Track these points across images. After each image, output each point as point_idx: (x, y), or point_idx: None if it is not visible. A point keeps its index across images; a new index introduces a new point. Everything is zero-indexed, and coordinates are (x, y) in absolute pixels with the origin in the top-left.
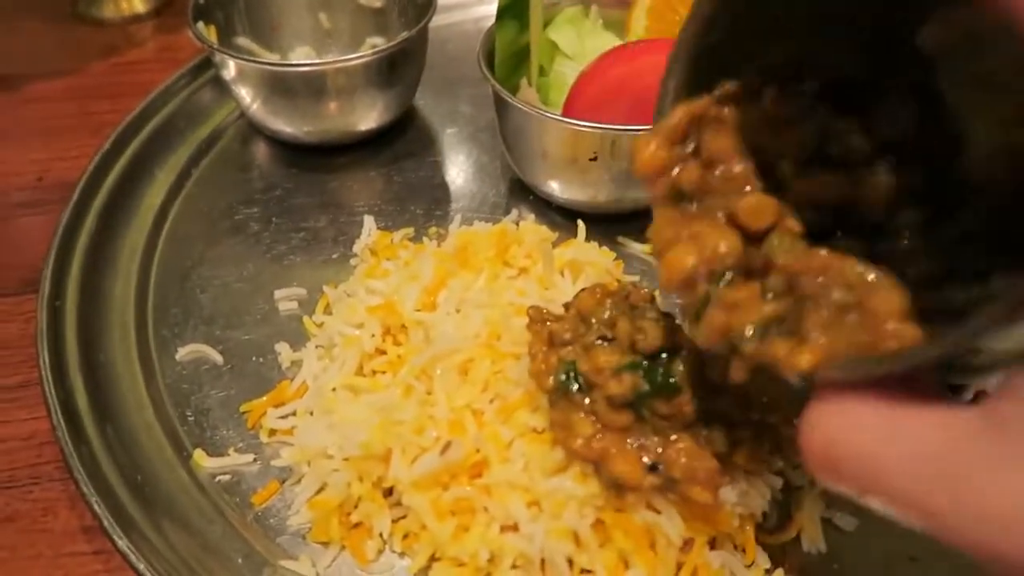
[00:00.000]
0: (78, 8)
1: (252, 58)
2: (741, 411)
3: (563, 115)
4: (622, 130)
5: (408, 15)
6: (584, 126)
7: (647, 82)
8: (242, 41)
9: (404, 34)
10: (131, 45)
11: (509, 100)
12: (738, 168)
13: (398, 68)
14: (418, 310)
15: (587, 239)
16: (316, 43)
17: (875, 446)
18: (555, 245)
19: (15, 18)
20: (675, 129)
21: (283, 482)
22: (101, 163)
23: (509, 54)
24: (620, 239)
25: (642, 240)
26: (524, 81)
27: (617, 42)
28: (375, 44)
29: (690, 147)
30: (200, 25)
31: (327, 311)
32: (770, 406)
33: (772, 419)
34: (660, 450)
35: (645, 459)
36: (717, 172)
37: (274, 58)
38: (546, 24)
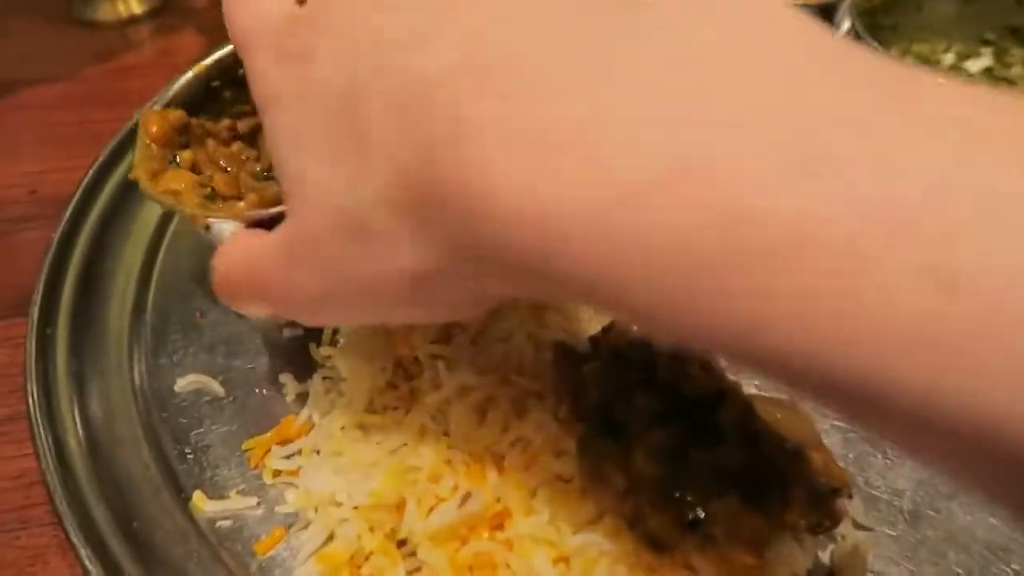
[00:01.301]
0: (72, 10)
1: None
2: (796, 467)
3: None
4: None
5: None
6: None
7: None
8: None
9: None
10: (128, 49)
11: None
12: None
13: None
14: (433, 341)
15: None
16: None
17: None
18: None
19: (5, 20)
20: None
21: (289, 528)
22: (96, 177)
23: None
24: None
25: None
26: None
27: None
28: None
29: None
30: None
31: (334, 339)
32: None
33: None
34: (701, 505)
35: (683, 515)
36: None
37: None
38: None
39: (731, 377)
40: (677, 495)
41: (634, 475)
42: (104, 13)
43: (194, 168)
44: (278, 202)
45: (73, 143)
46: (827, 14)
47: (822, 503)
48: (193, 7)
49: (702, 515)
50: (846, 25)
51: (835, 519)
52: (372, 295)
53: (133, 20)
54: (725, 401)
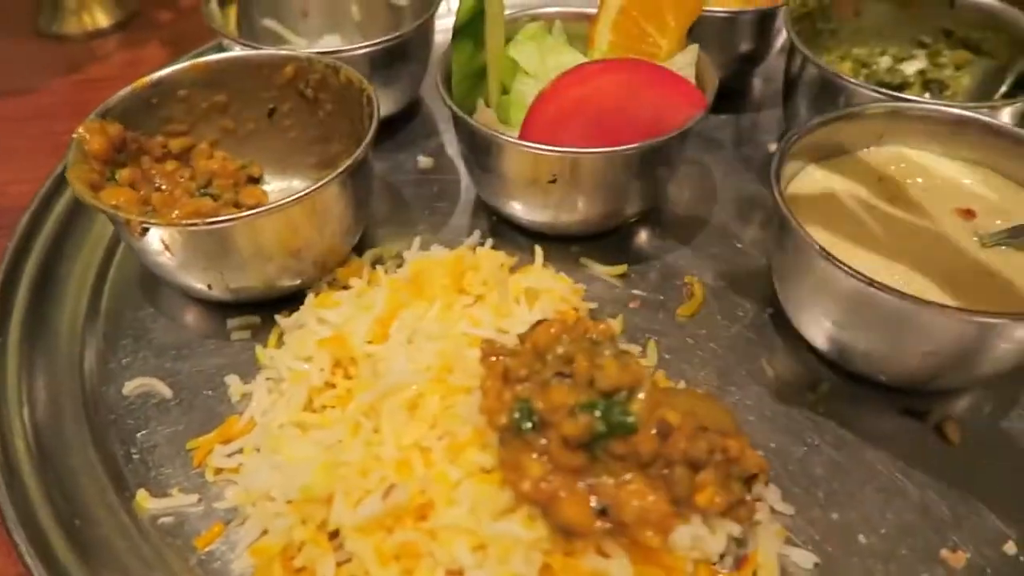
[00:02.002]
0: (39, 23)
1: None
2: (706, 452)
3: (521, 135)
4: (580, 153)
5: (420, 13)
6: (541, 149)
7: (602, 103)
8: (268, 23)
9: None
10: (94, 61)
11: (467, 121)
12: None
13: (395, 63)
14: (369, 342)
15: (549, 260)
16: (346, 33)
17: None
18: (514, 270)
19: None
20: None
21: (228, 523)
22: (52, 188)
23: (466, 74)
24: (583, 260)
25: (605, 262)
26: (481, 102)
27: (578, 58)
28: None
29: None
30: (214, 6)
31: (280, 341)
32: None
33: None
34: (612, 492)
35: (594, 502)
36: None
37: (302, 43)
38: (508, 40)
39: (647, 369)
40: (589, 483)
41: (550, 465)
42: (70, 26)
43: (133, 185)
44: (211, 216)
45: (35, 154)
46: (766, 21)
47: (734, 489)
48: (158, 20)
49: (611, 502)
50: (784, 35)
51: (748, 504)
52: None
53: (99, 33)
54: (637, 394)
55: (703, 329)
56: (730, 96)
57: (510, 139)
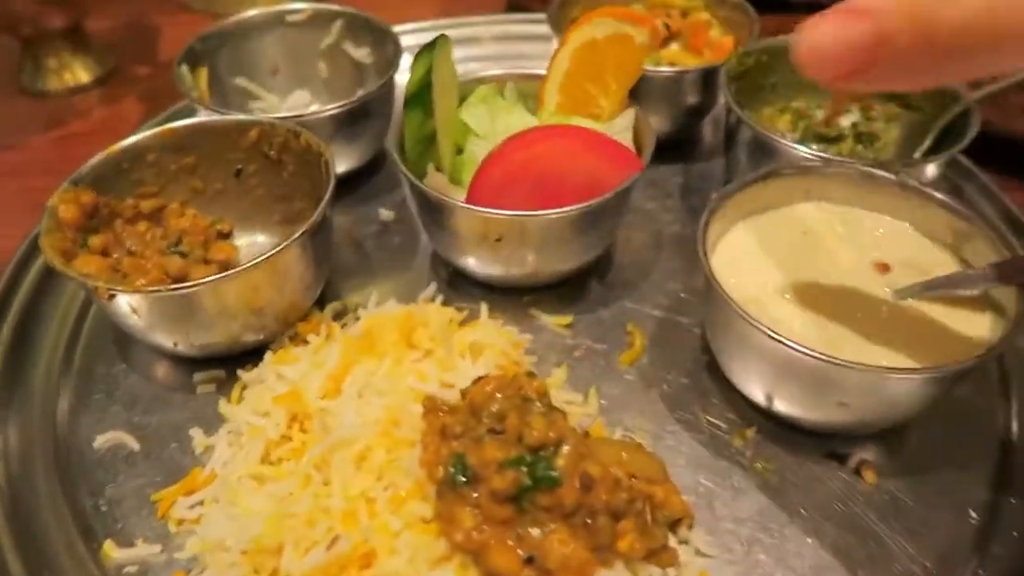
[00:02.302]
0: (23, 81)
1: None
2: (626, 502)
3: (468, 198)
4: (521, 216)
5: (383, 72)
6: (485, 212)
7: (543, 167)
8: (239, 81)
9: (360, 93)
10: (75, 117)
11: (418, 185)
12: None
13: (358, 121)
14: (323, 397)
15: (501, 311)
16: (314, 90)
17: None
18: (465, 323)
19: None
20: None
21: (189, 572)
22: (31, 245)
23: (418, 139)
24: (532, 311)
25: (554, 312)
26: (431, 166)
27: (528, 118)
28: None
29: None
30: (185, 70)
31: (242, 395)
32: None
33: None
34: (538, 541)
35: (522, 551)
36: None
37: (272, 98)
38: (463, 101)
39: (574, 426)
40: (518, 533)
41: (481, 517)
42: (52, 83)
43: (104, 251)
44: (181, 275)
45: (12, 211)
46: (710, 77)
47: (657, 534)
48: (136, 75)
49: (537, 551)
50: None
51: (670, 550)
52: None
53: (80, 89)
54: (562, 449)
55: (642, 377)
56: (679, 146)
57: (457, 203)
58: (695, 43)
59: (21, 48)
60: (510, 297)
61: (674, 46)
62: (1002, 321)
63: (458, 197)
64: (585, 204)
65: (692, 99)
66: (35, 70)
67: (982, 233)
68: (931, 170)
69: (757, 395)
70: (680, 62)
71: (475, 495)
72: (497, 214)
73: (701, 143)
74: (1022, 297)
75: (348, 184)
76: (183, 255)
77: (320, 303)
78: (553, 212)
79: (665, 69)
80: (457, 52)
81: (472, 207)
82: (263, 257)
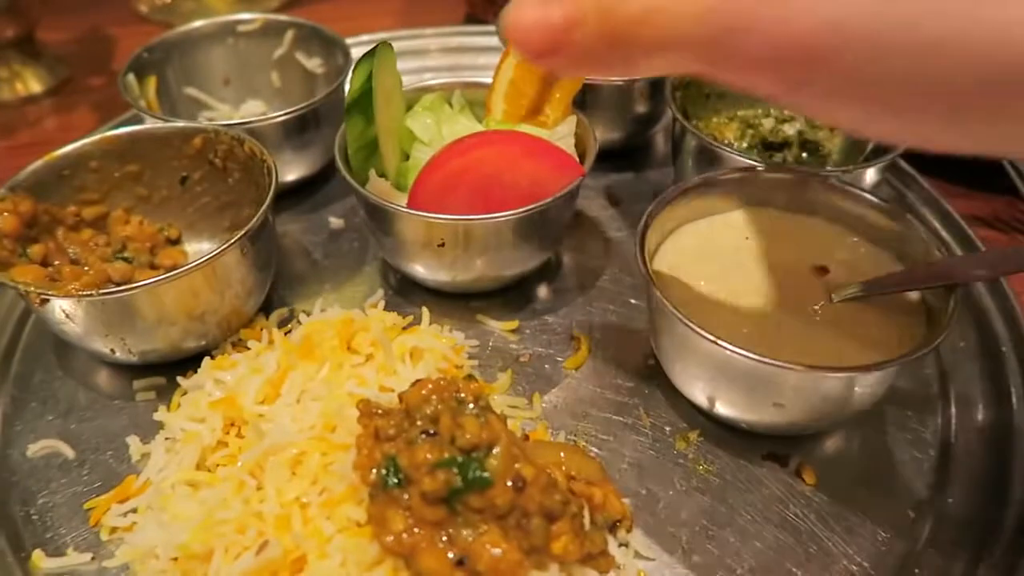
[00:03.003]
0: None
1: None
2: (560, 503)
3: (410, 202)
4: (460, 220)
5: (334, 78)
6: (424, 216)
7: (483, 172)
8: (190, 91)
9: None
10: (26, 126)
11: (360, 191)
12: None
13: (308, 129)
14: (261, 402)
15: (448, 317)
16: (267, 99)
17: None
18: (407, 328)
19: None
20: None
21: None
22: None
23: (360, 146)
24: (480, 317)
25: (501, 317)
26: (372, 172)
27: (474, 125)
28: None
29: None
30: (131, 79)
31: (181, 402)
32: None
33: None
34: (469, 543)
35: (452, 554)
36: None
37: (224, 108)
38: (409, 108)
39: (516, 429)
40: (449, 534)
41: (413, 519)
42: (3, 92)
43: (45, 259)
44: (126, 281)
45: None
46: (658, 86)
47: (594, 537)
48: (89, 85)
49: (468, 553)
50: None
51: (607, 554)
52: None
53: (32, 99)
54: (494, 450)
55: (587, 381)
56: (630, 155)
57: (398, 208)
58: None
59: None
60: (457, 303)
61: None
62: (936, 321)
63: (401, 203)
64: (526, 208)
65: (641, 108)
66: None
67: (917, 234)
68: (871, 175)
69: (699, 398)
70: None
71: (406, 497)
72: (436, 218)
73: (651, 152)
74: (955, 297)
75: (299, 192)
76: (127, 260)
77: (266, 310)
78: (493, 216)
79: (614, 79)
80: (412, 63)
81: (412, 211)
82: (202, 260)
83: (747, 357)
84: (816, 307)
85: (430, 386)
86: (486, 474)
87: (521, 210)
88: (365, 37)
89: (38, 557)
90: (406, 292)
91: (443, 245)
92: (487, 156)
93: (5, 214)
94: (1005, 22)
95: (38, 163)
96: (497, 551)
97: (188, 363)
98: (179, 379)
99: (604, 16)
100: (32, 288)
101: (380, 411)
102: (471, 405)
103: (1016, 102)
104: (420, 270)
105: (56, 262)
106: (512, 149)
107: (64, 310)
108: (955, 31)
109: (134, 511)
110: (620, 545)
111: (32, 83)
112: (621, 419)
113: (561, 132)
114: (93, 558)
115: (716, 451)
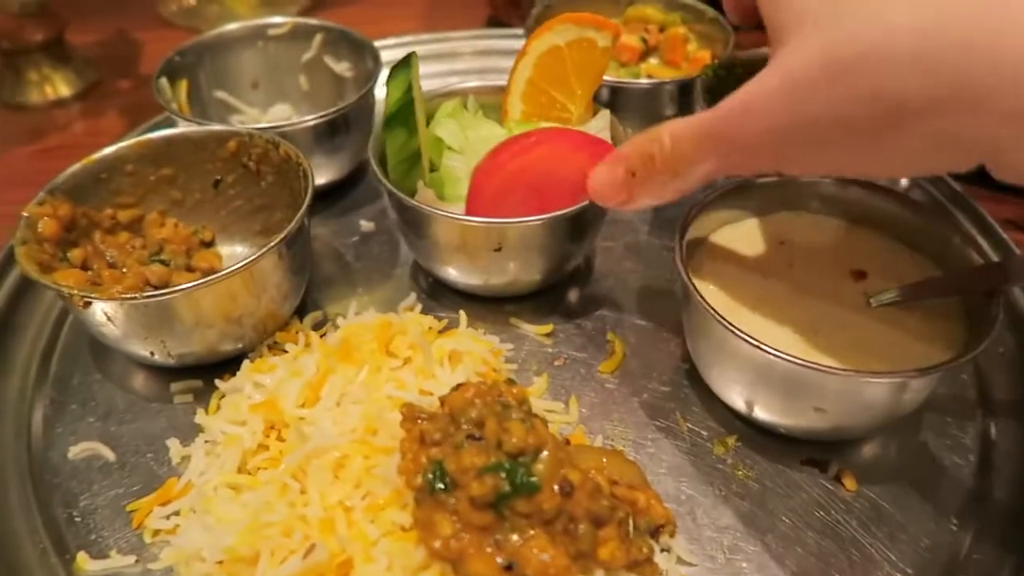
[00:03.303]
0: (2, 94)
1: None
2: (608, 509)
3: (468, 209)
4: (527, 221)
5: (363, 82)
6: (492, 222)
7: (538, 171)
8: (219, 95)
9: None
10: (55, 130)
11: (414, 205)
12: None
13: (338, 134)
14: (301, 405)
15: (481, 320)
16: (295, 103)
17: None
18: (444, 332)
19: None
20: None
21: None
22: (5, 258)
23: (401, 159)
24: (513, 320)
25: (534, 321)
26: (420, 183)
27: (496, 129)
28: None
29: None
30: (164, 82)
31: (219, 405)
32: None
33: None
34: (517, 548)
35: (501, 558)
36: None
37: (252, 112)
38: (429, 119)
39: (554, 433)
40: (497, 540)
41: (461, 523)
42: (32, 96)
43: (84, 263)
44: (164, 284)
45: None
46: (684, 90)
47: (639, 545)
48: (118, 89)
49: (516, 558)
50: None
51: (652, 563)
52: (853, 130)
53: (61, 102)
54: (541, 455)
55: (623, 385)
56: None
57: (459, 216)
58: (672, 57)
59: (1, 61)
60: (491, 306)
61: (652, 60)
62: (977, 326)
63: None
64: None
65: (669, 111)
66: (15, 83)
67: (957, 239)
68: None
69: (737, 402)
70: (658, 75)
71: (453, 502)
72: (505, 223)
73: None
74: (997, 302)
75: (328, 197)
76: (165, 263)
77: (300, 313)
78: (560, 213)
79: (643, 81)
80: (436, 67)
81: (476, 219)
82: (240, 264)
83: (789, 360)
84: (854, 312)
85: (473, 390)
86: (534, 479)
87: (585, 203)
88: (391, 40)
89: (82, 559)
90: (438, 296)
91: (499, 249)
92: (542, 154)
93: (46, 219)
94: None
95: (76, 166)
96: (545, 556)
97: (224, 366)
98: (217, 382)
99: (646, 160)
100: (76, 291)
101: (424, 416)
102: (516, 409)
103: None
104: (456, 275)
105: (95, 266)
106: (562, 145)
107: (106, 313)
108: None
109: (176, 514)
110: (662, 551)
111: (61, 87)
112: (658, 423)
113: (596, 127)
114: (137, 560)
115: (754, 456)
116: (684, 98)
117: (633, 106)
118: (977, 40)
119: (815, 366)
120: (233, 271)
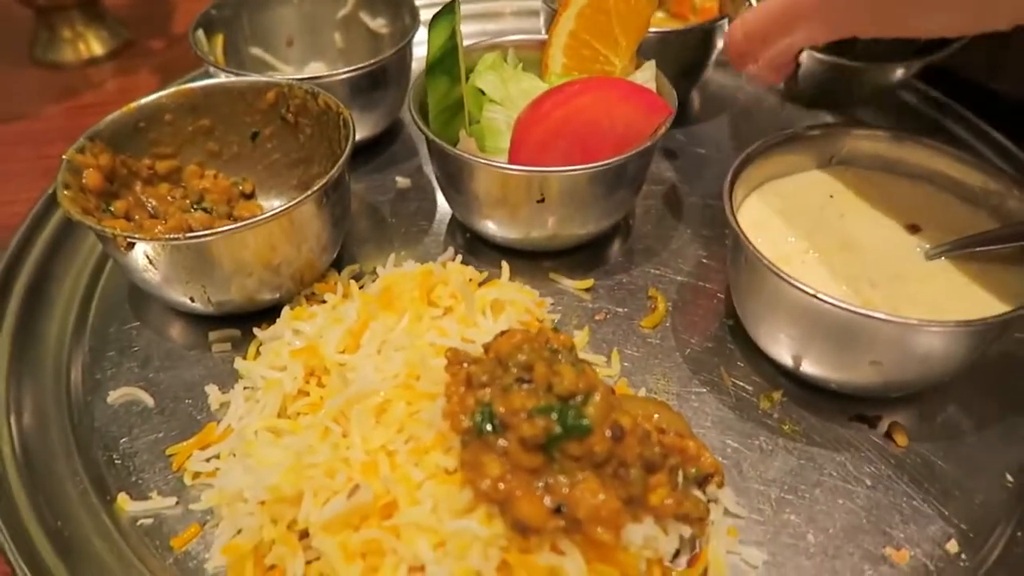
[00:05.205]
0: (36, 52)
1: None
2: (660, 455)
3: (511, 160)
4: (576, 170)
5: (399, 39)
6: (536, 171)
7: (582, 121)
8: (255, 51)
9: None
10: (89, 87)
11: (456, 154)
12: None
13: (375, 88)
14: (341, 352)
15: (520, 275)
16: (329, 60)
17: None
18: (483, 284)
19: None
20: None
21: (204, 524)
22: (44, 208)
23: (443, 108)
24: (552, 275)
25: (574, 276)
26: (463, 132)
27: (537, 82)
28: None
29: None
30: (201, 34)
31: (258, 353)
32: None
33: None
34: (566, 491)
35: (549, 501)
36: None
37: (288, 69)
38: (468, 72)
39: (604, 377)
40: (546, 482)
41: (509, 465)
42: (66, 55)
43: (127, 214)
44: (206, 228)
45: (27, 177)
46: (705, 37)
47: (688, 489)
48: (151, 48)
49: (566, 501)
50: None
51: (701, 505)
52: None
53: (94, 61)
54: (592, 398)
55: (665, 340)
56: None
57: (502, 165)
58: (679, 9)
59: (36, 19)
60: (529, 262)
61: (660, 14)
62: None
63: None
64: (635, 149)
65: (687, 61)
66: (49, 41)
67: (1014, 190)
68: (899, 72)
69: (784, 357)
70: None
71: (502, 443)
72: (552, 171)
73: (693, 108)
74: None
75: (363, 153)
76: (207, 211)
77: (337, 266)
78: (606, 163)
79: (656, 29)
80: (475, 27)
81: (521, 168)
82: (281, 209)
83: (845, 309)
84: (910, 265)
85: (520, 335)
86: (585, 421)
87: (631, 152)
88: None
89: (123, 500)
90: (476, 251)
91: (543, 200)
92: (587, 103)
93: (90, 170)
94: None
95: (115, 114)
96: (596, 499)
97: (260, 316)
98: (255, 330)
99: (748, 26)
100: (118, 232)
101: (470, 360)
102: (564, 354)
103: None
104: (495, 228)
105: (136, 216)
106: (609, 94)
107: (148, 255)
108: None
109: (216, 457)
110: (709, 501)
111: (95, 45)
112: (701, 378)
113: (643, 77)
114: (177, 502)
115: (801, 412)
116: (703, 46)
117: (648, 55)
118: None
119: (873, 315)
120: (273, 215)
